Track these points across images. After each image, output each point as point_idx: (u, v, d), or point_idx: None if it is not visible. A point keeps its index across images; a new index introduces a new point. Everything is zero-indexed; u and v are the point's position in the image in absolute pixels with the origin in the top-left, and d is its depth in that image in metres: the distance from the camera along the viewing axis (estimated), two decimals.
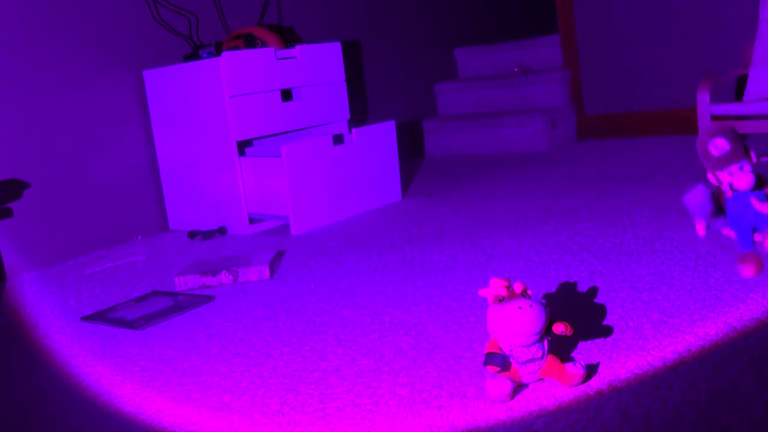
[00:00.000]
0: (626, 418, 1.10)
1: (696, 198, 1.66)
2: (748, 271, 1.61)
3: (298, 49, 2.85)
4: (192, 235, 2.76)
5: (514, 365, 1.20)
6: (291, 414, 1.26)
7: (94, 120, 2.75)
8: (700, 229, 1.83)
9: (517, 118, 3.85)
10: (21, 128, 2.54)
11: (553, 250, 2.01)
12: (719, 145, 1.56)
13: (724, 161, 1.55)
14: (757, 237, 1.63)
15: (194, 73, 2.68)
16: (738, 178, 1.55)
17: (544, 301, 1.21)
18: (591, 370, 1.25)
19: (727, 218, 1.69)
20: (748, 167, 1.57)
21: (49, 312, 2.06)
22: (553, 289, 1.71)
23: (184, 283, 2.09)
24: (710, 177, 1.61)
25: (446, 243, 2.22)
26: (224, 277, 2.08)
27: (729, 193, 1.63)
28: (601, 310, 1.53)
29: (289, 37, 3.38)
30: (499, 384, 1.17)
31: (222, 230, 2.74)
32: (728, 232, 1.81)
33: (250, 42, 2.81)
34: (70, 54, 2.68)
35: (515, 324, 1.17)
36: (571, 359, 1.30)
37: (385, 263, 2.09)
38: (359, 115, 3.84)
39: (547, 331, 1.21)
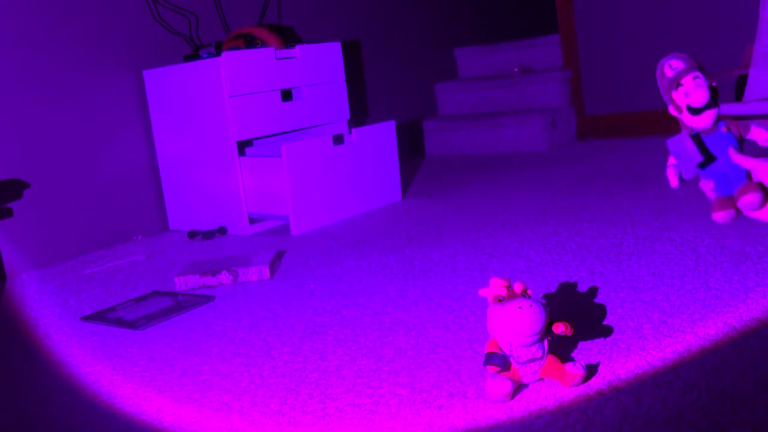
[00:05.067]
0: (626, 418, 1.10)
1: (678, 143, 1.64)
2: (722, 216, 1.61)
3: (298, 49, 2.85)
4: (192, 235, 2.76)
5: (514, 365, 1.20)
6: (291, 414, 1.26)
7: (94, 120, 2.75)
8: (673, 180, 1.81)
9: (517, 118, 3.85)
10: (21, 128, 2.54)
11: (553, 250, 2.01)
12: (674, 65, 1.57)
13: (677, 77, 1.55)
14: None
15: (194, 73, 2.68)
16: (693, 94, 1.55)
17: (544, 301, 1.21)
18: (591, 370, 1.25)
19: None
20: (702, 81, 1.56)
21: (49, 312, 2.06)
22: (553, 289, 1.71)
23: (184, 283, 2.09)
24: (672, 110, 1.59)
25: (446, 243, 2.22)
26: (224, 277, 2.08)
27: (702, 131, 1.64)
28: (601, 310, 1.53)
29: (289, 37, 3.38)
30: (499, 384, 1.17)
31: (222, 230, 2.74)
32: (704, 185, 1.79)
33: (250, 42, 2.81)
34: (70, 54, 2.68)
35: (515, 324, 1.17)
36: (571, 359, 1.30)
37: (385, 263, 2.09)
38: (359, 115, 3.84)
39: (547, 331, 1.21)
